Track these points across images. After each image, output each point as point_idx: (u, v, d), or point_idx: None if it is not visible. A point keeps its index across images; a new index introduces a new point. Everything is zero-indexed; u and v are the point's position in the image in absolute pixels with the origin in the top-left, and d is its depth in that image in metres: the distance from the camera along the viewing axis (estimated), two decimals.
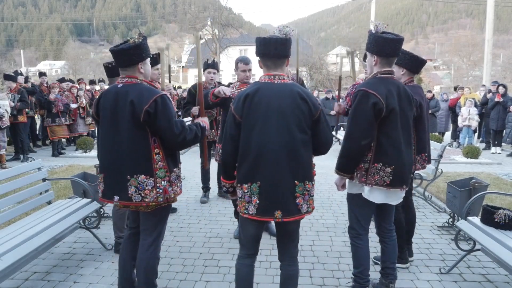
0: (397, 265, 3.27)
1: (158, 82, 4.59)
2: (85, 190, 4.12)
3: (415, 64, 3.27)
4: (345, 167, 2.66)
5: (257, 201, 2.26)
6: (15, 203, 3.54)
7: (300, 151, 2.27)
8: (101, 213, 4.38)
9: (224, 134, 2.47)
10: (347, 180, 2.74)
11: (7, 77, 8.81)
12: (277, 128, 2.24)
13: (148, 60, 2.58)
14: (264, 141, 2.24)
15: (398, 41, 2.59)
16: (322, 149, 2.43)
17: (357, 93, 2.58)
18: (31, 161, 4.88)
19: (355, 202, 2.76)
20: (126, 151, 2.43)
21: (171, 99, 2.93)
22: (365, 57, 2.88)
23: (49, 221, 3.27)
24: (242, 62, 3.90)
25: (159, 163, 2.45)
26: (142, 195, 2.43)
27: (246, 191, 2.29)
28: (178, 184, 2.60)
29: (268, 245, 3.93)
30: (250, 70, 3.96)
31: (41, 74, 10.90)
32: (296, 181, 2.27)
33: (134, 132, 2.42)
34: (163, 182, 2.46)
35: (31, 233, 3.00)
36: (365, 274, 2.75)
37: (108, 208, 4.76)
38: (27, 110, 8.85)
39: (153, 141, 2.45)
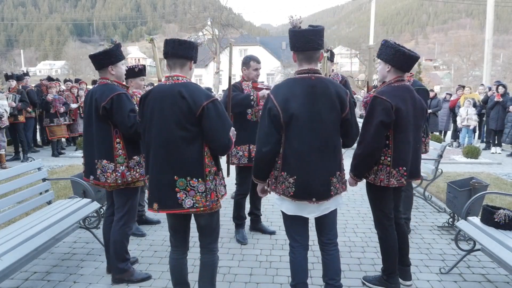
0: None
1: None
2: (85, 190, 4.11)
3: (402, 59, 2.72)
4: (255, 172, 2.57)
5: (149, 193, 2.49)
6: (15, 203, 3.54)
7: (180, 148, 2.34)
8: (101, 213, 4.37)
9: None
10: None
11: (10, 77, 8.77)
12: (158, 126, 2.38)
13: (120, 63, 3.00)
14: (149, 139, 2.43)
15: (312, 32, 2.30)
16: (213, 146, 2.40)
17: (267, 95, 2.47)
18: (31, 161, 4.88)
19: (284, 213, 2.58)
20: (95, 140, 2.92)
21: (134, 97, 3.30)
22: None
23: (49, 221, 3.27)
24: (255, 61, 3.87)
25: (119, 150, 2.91)
26: (105, 176, 2.91)
27: (147, 184, 2.52)
28: (138, 170, 3.00)
29: (268, 245, 3.94)
30: (260, 68, 3.95)
31: (50, 79, 10.52)
32: (175, 177, 2.35)
33: (99, 124, 2.89)
34: (121, 167, 2.91)
35: (31, 233, 3.01)
36: (299, 287, 2.61)
37: None
38: (29, 109, 8.85)
39: (115, 132, 2.90)
